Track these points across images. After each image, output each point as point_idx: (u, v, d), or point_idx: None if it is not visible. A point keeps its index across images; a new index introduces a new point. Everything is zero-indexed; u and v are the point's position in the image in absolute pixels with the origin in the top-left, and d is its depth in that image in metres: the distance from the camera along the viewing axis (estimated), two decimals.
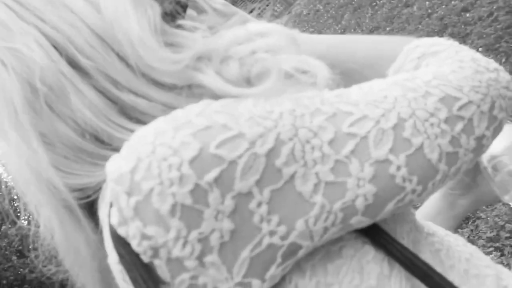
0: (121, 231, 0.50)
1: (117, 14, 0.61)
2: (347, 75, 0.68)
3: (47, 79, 0.59)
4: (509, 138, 0.89)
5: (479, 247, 2.94)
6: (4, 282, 5.95)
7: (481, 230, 3.20)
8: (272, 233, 0.50)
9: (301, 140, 0.51)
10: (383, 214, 0.55)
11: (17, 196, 0.68)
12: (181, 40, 0.63)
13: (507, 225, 3.05)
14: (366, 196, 0.52)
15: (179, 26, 0.66)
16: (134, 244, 0.50)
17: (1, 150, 0.64)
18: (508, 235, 3.00)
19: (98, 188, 0.61)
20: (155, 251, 0.49)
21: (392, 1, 7.96)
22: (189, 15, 0.71)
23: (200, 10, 0.76)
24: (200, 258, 0.49)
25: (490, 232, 3.10)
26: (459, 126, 0.57)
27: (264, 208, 0.49)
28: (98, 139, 0.60)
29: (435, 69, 0.61)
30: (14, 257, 6.09)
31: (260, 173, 0.49)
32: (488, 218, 3.21)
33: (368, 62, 0.73)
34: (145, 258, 0.50)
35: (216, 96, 0.56)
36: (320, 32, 9.75)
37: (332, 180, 0.51)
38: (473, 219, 3.36)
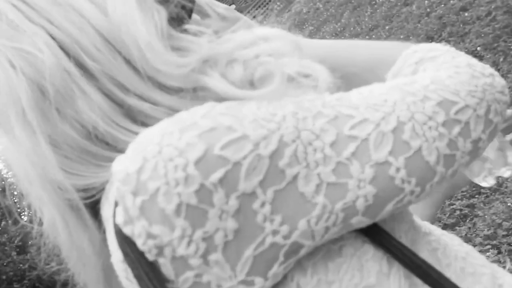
0: (127, 230, 0.51)
1: (125, 18, 0.61)
2: (347, 79, 0.68)
3: (55, 81, 0.59)
4: None
5: (476, 245, 2.95)
6: (4, 277, 5.92)
7: (478, 228, 3.21)
8: (275, 232, 0.51)
9: (303, 142, 0.52)
10: (383, 214, 0.57)
11: (18, 193, 0.69)
12: (187, 45, 0.64)
13: (504, 223, 3.06)
14: (366, 197, 0.54)
15: (185, 31, 0.67)
16: (140, 243, 0.51)
17: (5, 148, 0.64)
18: (505, 233, 3.01)
19: (101, 189, 0.62)
20: (160, 250, 0.50)
21: (391, 0, 7.97)
22: (193, 20, 0.72)
23: (204, 15, 0.77)
24: (204, 256, 0.50)
25: (488, 230, 3.11)
26: (456, 129, 0.58)
27: (267, 208, 0.50)
28: (103, 141, 0.61)
29: (432, 74, 0.62)
30: (13, 253, 6.07)
31: (264, 174, 0.50)
32: (486, 216, 3.22)
33: (367, 66, 0.74)
34: (150, 257, 0.51)
35: (220, 99, 0.57)
36: (319, 30, 9.74)
37: (333, 181, 0.52)
38: (471, 217, 3.37)
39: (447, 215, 3.48)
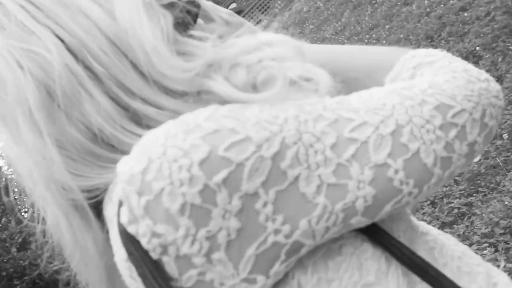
0: (131, 229, 0.52)
1: (132, 22, 0.62)
2: (347, 83, 0.69)
3: (62, 83, 0.60)
4: None
5: (473, 243, 2.96)
6: (4, 274, 5.89)
7: (476, 226, 3.21)
8: (276, 231, 0.52)
9: (305, 144, 0.53)
10: (381, 215, 0.58)
11: (19, 191, 0.70)
12: (192, 49, 0.64)
13: (501, 221, 3.06)
14: (365, 197, 0.55)
15: (190, 36, 0.67)
16: (144, 242, 0.52)
17: (10, 146, 0.65)
18: (502, 231, 3.01)
19: (104, 189, 0.63)
20: (164, 249, 0.51)
21: (392, 0, 7.96)
22: (198, 24, 0.73)
23: (209, 19, 0.78)
24: (207, 255, 0.51)
25: (485, 228, 3.11)
26: (453, 132, 0.59)
27: (269, 208, 0.51)
28: (108, 144, 0.62)
29: (430, 78, 0.64)
30: (14, 250, 6.05)
31: (266, 174, 0.51)
32: (483, 215, 3.22)
33: (366, 71, 0.75)
34: (154, 255, 0.52)
35: (223, 102, 0.58)
36: (320, 29, 9.73)
37: (334, 182, 0.54)
38: (469, 215, 3.37)
39: (445, 213, 3.48)
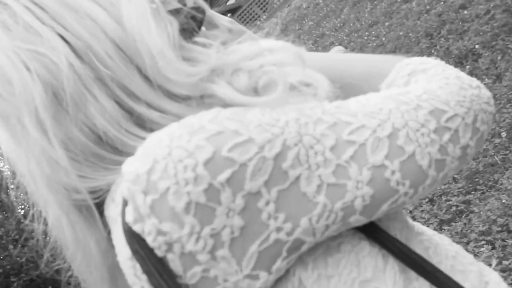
0: (137, 228, 0.54)
1: (139, 27, 0.63)
2: (345, 89, 0.71)
3: (67, 85, 0.61)
4: None
5: (471, 241, 2.98)
6: (1, 271, 5.87)
7: (473, 224, 3.21)
8: (278, 229, 0.54)
9: (305, 146, 0.55)
10: (379, 214, 0.60)
11: (18, 189, 0.70)
12: (196, 55, 0.66)
13: (498, 219, 3.07)
14: (364, 197, 0.57)
15: (194, 42, 0.69)
16: (150, 240, 0.53)
17: (13, 146, 0.66)
18: (499, 229, 3.02)
19: (106, 190, 0.64)
20: (170, 246, 0.53)
21: None
22: (201, 31, 0.74)
23: (212, 26, 0.79)
24: (212, 252, 0.52)
25: (483, 226, 3.11)
26: (447, 136, 0.61)
27: (271, 207, 0.53)
28: (112, 146, 0.63)
29: (424, 85, 0.66)
30: (11, 246, 6.01)
31: (268, 174, 0.53)
32: (481, 213, 3.23)
33: (363, 77, 0.77)
34: (160, 253, 0.53)
35: (225, 105, 0.60)
36: (319, 26, 9.71)
37: (333, 182, 0.55)
38: (467, 213, 3.38)
39: (443, 211, 3.49)
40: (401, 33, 6.64)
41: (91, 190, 0.63)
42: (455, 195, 3.56)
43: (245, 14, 15.20)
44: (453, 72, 0.68)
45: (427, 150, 0.60)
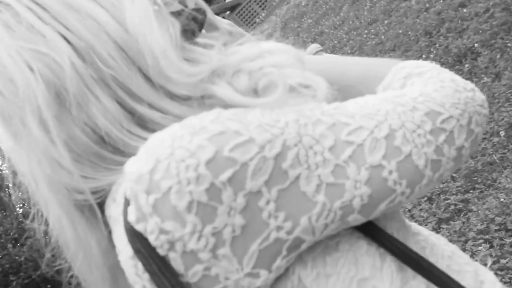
0: (139, 227, 0.54)
1: (142, 27, 0.64)
2: (343, 91, 0.73)
3: (70, 85, 0.61)
4: None
5: (469, 239, 2.98)
6: (0, 269, 5.87)
7: (472, 222, 3.21)
8: (279, 228, 0.55)
9: (305, 146, 0.56)
10: (376, 213, 0.61)
11: (17, 188, 0.70)
12: (197, 56, 0.67)
13: (496, 218, 3.07)
14: (362, 196, 0.58)
15: (195, 43, 0.70)
16: (152, 239, 0.54)
17: (11, 145, 0.66)
18: (497, 227, 3.02)
19: (107, 191, 0.65)
20: (172, 245, 0.53)
21: None
22: (202, 33, 0.74)
23: (213, 28, 0.80)
24: (213, 250, 0.53)
25: (481, 224, 3.11)
26: (442, 137, 0.63)
27: (272, 206, 0.54)
28: (114, 147, 0.63)
29: (420, 87, 0.67)
30: (9, 245, 5.98)
31: (269, 174, 0.54)
32: (479, 211, 3.23)
33: (360, 80, 0.78)
34: (162, 252, 0.54)
35: (226, 106, 0.61)
36: (318, 23, 9.70)
37: (332, 182, 0.56)
38: (465, 211, 3.38)
39: (442, 210, 3.49)
40: (400, 31, 6.64)
41: (92, 190, 0.64)
42: (453, 194, 3.57)
43: (244, 12, 15.15)
44: (448, 75, 0.70)
45: (423, 150, 0.61)
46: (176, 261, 0.54)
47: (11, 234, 6.06)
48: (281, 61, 0.67)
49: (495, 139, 3.75)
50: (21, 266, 5.83)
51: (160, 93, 0.64)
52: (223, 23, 0.84)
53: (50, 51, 0.62)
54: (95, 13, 0.64)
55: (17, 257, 5.86)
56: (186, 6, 0.71)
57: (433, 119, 0.63)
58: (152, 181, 0.53)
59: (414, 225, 0.75)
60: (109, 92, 0.63)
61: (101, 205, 0.66)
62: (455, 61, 5.08)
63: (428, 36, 5.95)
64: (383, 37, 6.96)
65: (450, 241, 3.07)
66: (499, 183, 3.38)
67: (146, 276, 0.57)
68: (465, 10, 5.76)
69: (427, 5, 6.68)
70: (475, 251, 2.98)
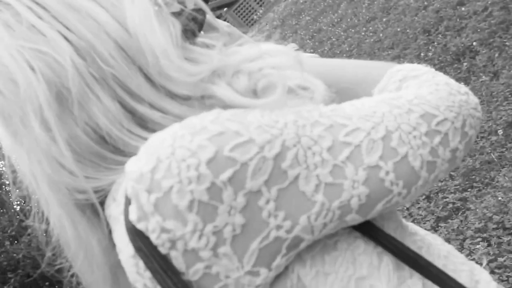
0: (141, 226, 0.55)
1: (143, 27, 0.64)
2: (340, 93, 0.73)
3: (71, 84, 0.62)
4: None
5: (467, 238, 2.99)
6: None
7: (470, 221, 3.22)
8: (278, 227, 0.55)
9: (303, 147, 0.57)
10: (373, 213, 0.62)
11: (13, 184, 0.71)
12: (197, 56, 0.67)
13: (494, 216, 3.08)
14: (360, 196, 0.59)
15: (195, 43, 0.70)
16: (153, 237, 0.54)
17: (12, 145, 0.66)
18: (495, 226, 3.03)
19: (107, 190, 0.65)
20: (173, 243, 0.54)
21: None
22: (202, 33, 0.75)
23: (212, 28, 0.80)
24: (214, 249, 0.54)
25: (479, 223, 3.12)
26: (437, 139, 0.64)
27: (271, 205, 0.55)
28: (114, 146, 0.64)
29: (415, 90, 0.68)
30: (7, 243, 5.97)
31: (268, 174, 0.55)
32: (477, 210, 3.24)
33: (356, 82, 0.80)
34: (163, 250, 0.55)
35: (225, 106, 0.61)
36: (316, 21, 9.70)
37: (331, 182, 0.57)
38: (463, 210, 3.39)
39: (440, 208, 3.50)
40: (398, 29, 6.64)
41: (93, 190, 0.64)
42: (451, 192, 3.57)
43: (242, 8, 15.14)
44: (442, 78, 0.71)
45: (419, 152, 0.62)
46: (178, 260, 0.55)
47: (9, 231, 6.06)
48: (281, 62, 0.68)
49: (493, 138, 3.75)
50: (19, 263, 5.82)
51: (161, 92, 0.64)
52: (221, 24, 0.85)
53: (50, 51, 0.63)
54: (95, 13, 0.65)
55: (15, 255, 5.84)
56: (185, 7, 0.71)
57: (428, 121, 0.64)
58: (153, 180, 0.54)
59: (411, 225, 0.76)
60: (109, 92, 0.63)
61: (101, 205, 0.66)
62: (454, 60, 5.08)
63: (427, 34, 5.95)
64: (381, 35, 6.96)
65: (448, 239, 3.09)
66: (497, 181, 3.39)
67: (147, 274, 0.57)
68: (463, 8, 5.76)
69: (425, 3, 6.68)
70: (473, 250, 2.98)
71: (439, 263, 0.71)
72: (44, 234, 0.71)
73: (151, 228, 0.54)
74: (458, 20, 5.64)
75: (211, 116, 0.57)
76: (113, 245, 0.65)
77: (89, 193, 0.64)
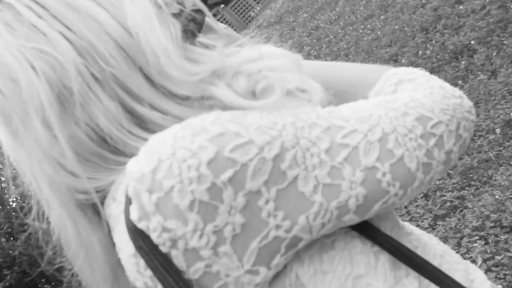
0: (142, 225, 0.56)
1: (144, 27, 0.65)
2: (337, 95, 0.74)
3: (72, 85, 0.62)
4: None
5: (465, 236, 3.00)
6: None
7: (467, 219, 3.23)
8: (277, 227, 0.56)
9: (302, 148, 0.58)
10: (370, 214, 0.63)
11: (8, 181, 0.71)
12: (197, 57, 0.68)
13: (492, 215, 3.09)
14: (357, 197, 0.60)
15: (195, 44, 0.71)
16: (154, 236, 0.55)
17: (12, 145, 0.67)
18: (492, 224, 3.04)
19: (107, 190, 0.66)
20: (174, 242, 0.55)
21: None
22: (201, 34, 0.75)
23: (209, 29, 0.81)
24: (214, 248, 0.55)
25: (476, 221, 3.13)
26: (432, 141, 0.65)
27: (271, 205, 0.56)
28: (114, 147, 0.64)
29: (410, 93, 0.69)
30: (3, 239, 5.96)
31: (268, 174, 0.55)
32: (475, 208, 3.25)
33: (353, 85, 0.81)
34: (164, 249, 0.55)
35: (225, 107, 0.62)
36: (313, 18, 9.70)
37: (329, 183, 0.58)
38: (461, 208, 3.40)
39: (438, 206, 3.51)
40: (396, 27, 6.65)
41: (90, 190, 0.65)
42: (449, 191, 3.58)
43: (239, 5, 15.13)
44: (437, 82, 0.72)
45: (415, 154, 0.63)
46: (178, 258, 0.56)
47: (5, 228, 6.05)
48: (279, 65, 0.68)
49: (491, 137, 3.76)
50: (15, 260, 5.82)
51: (160, 93, 0.65)
52: (220, 26, 0.85)
53: (51, 50, 0.63)
54: (95, 13, 0.65)
55: (10, 251, 5.84)
56: (184, 7, 0.72)
57: (423, 124, 0.65)
58: (154, 181, 0.54)
59: (407, 225, 0.77)
60: (110, 92, 0.63)
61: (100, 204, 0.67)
62: (452, 58, 5.09)
63: (425, 32, 5.96)
64: (379, 32, 6.97)
65: (446, 237, 3.09)
66: (495, 180, 3.40)
67: (147, 273, 0.58)
68: (461, 7, 5.77)
69: (423, 1, 6.69)
70: (471, 248, 2.99)
71: (434, 262, 0.72)
72: (44, 232, 0.72)
73: (152, 227, 0.55)
74: (456, 18, 5.65)
75: (211, 118, 0.57)
76: (113, 244, 0.65)
77: (90, 193, 0.64)
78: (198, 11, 0.74)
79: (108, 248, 0.67)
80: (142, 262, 0.58)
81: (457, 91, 0.72)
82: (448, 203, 3.49)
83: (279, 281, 0.61)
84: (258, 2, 14.81)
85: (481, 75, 4.48)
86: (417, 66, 5.23)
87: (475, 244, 2.99)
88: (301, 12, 10.72)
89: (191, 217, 0.54)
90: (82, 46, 0.63)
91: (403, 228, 0.73)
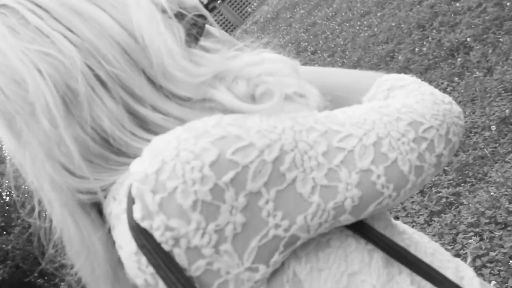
0: (145, 224, 0.57)
1: (149, 29, 0.66)
2: (332, 101, 0.76)
3: (75, 87, 0.63)
4: None
5: (460, 232, 3.02)
6: None
7: (463, 215, 3.23)
8: (277, 226, 0.58)
9: (300, 151, 0.60)
10: (365, 214, 0.65)
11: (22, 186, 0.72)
12: (198, 59, 0.69)
13: (487, 211, 3.09)
14: (353, 198, 0.62)
15: (196, 47, 0.73)
16: (157, 235, 0.57)
17: (15, 147, 0.67)
18: (487, 221, 3.04)
19: (108, 189, 0.67)
20: (176, 241, 0.57)
21: None
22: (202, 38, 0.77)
23: (208, 34, 0.82)
24: (216, 246, 0.57)
25: (471, 218, 3.13)
26: (424, 145, 0.67)
27: (270, 205, 0.58)
28: (116, 148, 0.66)
29: (402, 99, 0.72)
30: None
31: (268, 176, 0.57)
32: (470, 205, 3.25)
33: (348, 90, 0.83)
34: (166, 247, 0.57)
35: (225, 110, 0.64)
36: (310, 14, 9.67)
37: (326, 184, 0.60)
38: (456, 205, 3.40)
39: (433, 202, 3.51)
40: (393, 24, 6.64)
41: (92, 190, 0.66)
42: (445, 187, 3.59)
43: (236, 1, 15.05)
44: (428, 88, 0.75)
45: (408, 157, 0.66)
46: (180, 256, 0.57)
47: None
48: (278, 69, 0.70)
49: (487, 134, 3.77)
50: (8, 254, 5.78)
51: (162, 95, 0.66)
52: (221, 32, 0.87)
53: (56, 53, 0.64)
54: (98, 16, 0.66)
55: (4, 246, 5.81)
56: (188, 12, 0.73)
57: (415, 128, 0.67)
58: (158, 181, 0.56)
59: (399, 224, 0.79)
60: (112, 94, 0.64)
61: (100, 204, 0.69)
62: (448, 55, 5.09)
63: (421, 29, 5.96)
64: (376, 29, 6.96)
65: (441, 233, 3.11)
66: (490, 177, 3.41)
67: (149, 270, 0.60)
68: (458, 4, 5.75)
69: None
70: (466, 244, 3.00)
71: (426, 260, 0.74)
72: (42, 232, 0.73)
73: (156, 226, 0.56)
74: (452, 15, 5.64)
75: (213, 121, 0.59)
76: (113, 243, 0.67)
77: (95, 193, 0.66)
78: (200, 16, 0.76)
79: (108, 246, 0.68)
80: (144, 260, 0.59)
81: (447, 97, 0.75)
82: (444, 200, 3.50)
83: (277, 278, 0.63)
84: None
85: (477, 72, 4.48)
86: (413, 63, 5.27)
87: (470, 241, 2.99)
88: (298, 8, 10.69)
89: (194, 217, 0.55)
90: (85, 49, 0.64)
91: (396, 227, 0.76)
